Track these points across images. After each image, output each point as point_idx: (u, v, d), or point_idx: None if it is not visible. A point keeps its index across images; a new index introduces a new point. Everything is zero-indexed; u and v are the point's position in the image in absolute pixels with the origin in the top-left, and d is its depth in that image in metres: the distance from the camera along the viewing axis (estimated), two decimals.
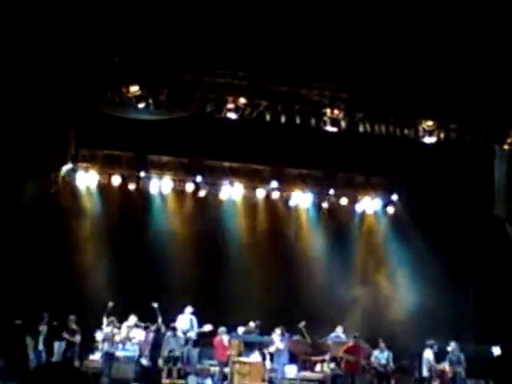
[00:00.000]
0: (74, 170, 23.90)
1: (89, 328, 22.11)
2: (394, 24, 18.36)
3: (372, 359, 23.08)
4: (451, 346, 23.13)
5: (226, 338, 22.13)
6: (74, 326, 21.67)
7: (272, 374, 22.28)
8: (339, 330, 23.75)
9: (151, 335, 22.22)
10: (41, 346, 21.36)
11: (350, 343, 22.56)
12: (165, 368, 21.63)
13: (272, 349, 22.39)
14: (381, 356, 23.02)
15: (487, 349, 24.34)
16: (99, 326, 21.97)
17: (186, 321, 22.58)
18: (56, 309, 21.53)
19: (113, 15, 17.65)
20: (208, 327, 22.44)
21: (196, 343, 22.59)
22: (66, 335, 21.55)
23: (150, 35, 18.10)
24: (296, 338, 23.37)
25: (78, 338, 21.66)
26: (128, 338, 22.11)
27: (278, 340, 22.32)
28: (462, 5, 17.97)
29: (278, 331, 22.35)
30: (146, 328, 22.29)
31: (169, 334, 21.88)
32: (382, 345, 23.00)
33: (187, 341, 22.26)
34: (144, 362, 21.92)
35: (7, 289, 20.66)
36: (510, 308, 22.91)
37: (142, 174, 24.79)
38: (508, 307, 23.04)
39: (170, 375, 21.66)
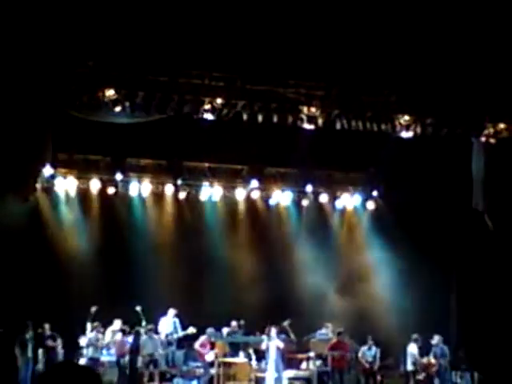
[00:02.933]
0: (52, 176, 23.79)
1: (73, 334, 22.02)
2: (368, 20, 18.41)
3: (359, 355, 23.15)
4: (435, 340, 23.22)
5: (211, 340, 22.09)
6: (49, 333, 21.60)
7: (259, 373, 22.21)
8: (327, 328, 23.68)
9: (129, 338, 22.07)
10: (30, 354, 21.17)
11: (334, 340, 22.65)
12: (145, 372, 21.58)
13: (271, 347, 22.14)
14: (368, 353, 23.11)
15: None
16: (83, 332, 21.90)
17: (169, 323, 22.56)
18: (38, 316, 21.41)
19: (87, 19, 17.59)
20: (192, 329, 22.41)
21: (180, 345, 22.56)
22: (48, 342, 21.47)
23: (124, 38, 18.05)
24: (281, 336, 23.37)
25: (59, 342, 21.60)
26: (113, 343, 22.05)
27: (276, 339, 22.19)
28: (434, 2, 18.07)
29: (274, 330, 22.29)
30: (129, 333, 22.20)
31: (144, 337, 21.81)
32: (371, 342, 23.06)
33: (170, 343, 22.21)
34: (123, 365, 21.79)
35: None
36: (492, 299, 23.05)
37: (121, 177, 24.69)
38: (489, 299, 23.18)
39: (151, 379, 21.62)
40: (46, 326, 21.73)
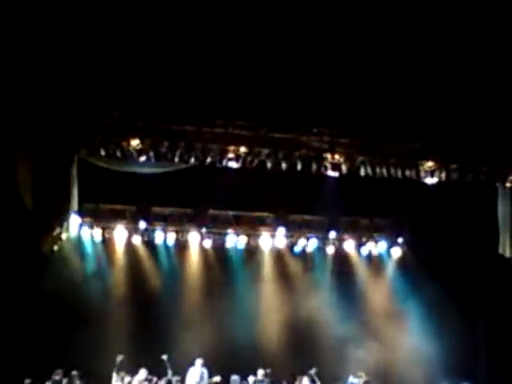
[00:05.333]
0: (78, 226, 23.94)
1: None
2: (390, 68, 18.51)
3: None
4: None
5: None
6: (79, 382, 21.50)
7: None
8: (359, 378, 23.36)
9: None
10: None
11: None
12: None
13: None
14: None
15: None
16: (109, 382, 21.82)
17: (196, 373, 22.39)
18: (66, 365, 21.41)
19: (112, 70, 17.84)
20: (216, 379, 22.23)
21: None
22: None
23: (148, 88, 18.27)
24: None
25: None
26: None
27: None
28: (453, 47, 18.14)
29: (306, 379, 22.07)
30: (155, 382, 22.09)
31: None
32: None
33: None
34: None
35: (13, 347, 20.61)
36: None
37: (146, 226, 24.80)
38: None
39: None
40: (74, 373, 21.63)
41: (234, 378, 22.13)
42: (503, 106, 19.35)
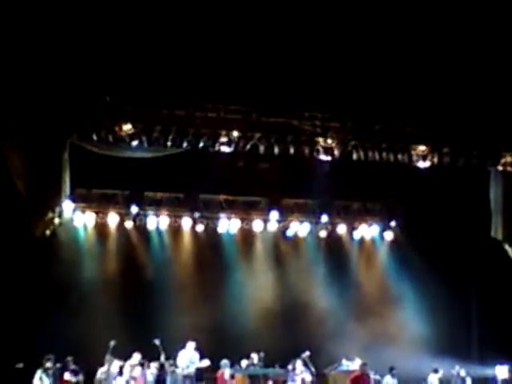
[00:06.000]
0: (70, 211, 23.92)
1: (91, 368, 21.95)
2: (381, 51, 18.50)
3: None
4: (456, 370, 23.02)
5: (227, 372, 21.90)
6: (73, 367, 21.50)
7: None
8: (353, 361, 23.40)
9: (150, 373, 21.97)
10: None
11: (358, 372, 22.20)
12: None
13: (297, 381, 21.95)
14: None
15: (493, 372, 24.30)
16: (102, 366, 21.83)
17: (187, 357, 22.39)
18: (56, 351, 21.41)
19: (103, 54, 17.79)
20: (205, 362, 22.20)
21: (199, 379, 22.41)
22: (68, 376, 21.38)
23: (139, 73, 18.23)
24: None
25: (80, 378, 21.50)
26: (132, 377, 21.93)
27: (303, 371, 22.00)
28: (446, 30, 18.12)
29: (300, 362, 22.12)
30: (148, 367, 22.10)
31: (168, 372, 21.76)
32: (394, 371, 22.72)
33: (185, 377, 22.04)
34: None
35: (5, 332, 20.61)
36: None
37: (139, 211, 24.81)
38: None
39: None
40: (69, 358, 21.63)
41: (225, 361, 22.13)
42: (495, 91, 19.36)
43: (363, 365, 21.81)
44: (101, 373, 21.46)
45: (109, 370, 21.32)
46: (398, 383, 22.78)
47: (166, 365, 21.97)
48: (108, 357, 21.38)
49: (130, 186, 24.24)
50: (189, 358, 22.26)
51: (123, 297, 23.91)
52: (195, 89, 18.88)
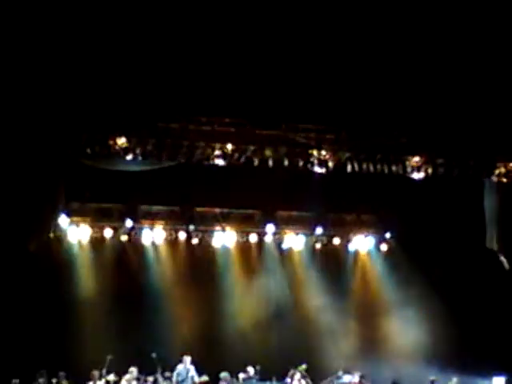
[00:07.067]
0: (65, 225, 23.87)
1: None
2: (375, 63, 18.56)
3: None
4: (453, 382, 22.98)
5: None
6: (65, 382, 21.40)
7: None
8: (352, 374, 23.33)
9: None
10: None
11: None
12: None
13: None
14: None
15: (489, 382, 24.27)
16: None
17: (183, 370, 22.35)
18: (53, 365, 21.34)
19: (97, 69, 17.82)
20: (204, 378, 22.14)
21: None
22: None
23: (133, 87, 18.25)
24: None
25: None
26: None
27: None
28: (440, 41, 18.19)
29: (299, 374, 22.10)
30: (144, 381, 22.04)
31: None
32: None
33: None
34: None
35: (0, 347, 20.55)
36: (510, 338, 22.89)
37: (134, 224, 24.78)
38: (507, 338, 23.00)
39: None
40: (61, 373, 21.54)
41: (224, 374, 22.07)
42: (489, 102, 19.42)
43: (361, 377, 21.77)
44: None
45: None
46: None
47: (160, 379, 21.90)
48: (95, 372, 21.27)
49: (124, 199, 24.20)
50: (186, 372, 22.24)
51: (118, 310, 23.82)
52: (189, 102, 18.92)
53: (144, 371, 22.19)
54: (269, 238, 26.12)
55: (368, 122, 20.03)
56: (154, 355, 21.76)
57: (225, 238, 25.80)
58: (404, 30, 18.21)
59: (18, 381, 21.10)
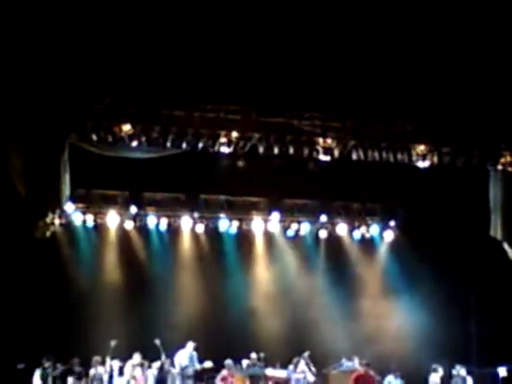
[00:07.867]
0: (70, 211, 23.92)
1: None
2: (381, 51, 18.51)
3: None
4: (456, 369, 22.98)
5: (230, 372, 21.88)
6: (78, 369, 21.45)
7: None
8: (352, 361, 23.29)
9: (150, 373, 21.96)
10: None
11: (360, 372, 21.90)
12: None
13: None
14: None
15: (493, 371, 24.27)
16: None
17: (185, 356, 22.39)
18: (57, 351, 21.41)
19: (102, 55, 17.80)
20: (208, 364, 22.24)
21: (199, 379, 22.43)
22: (71, 379, 21.32)
23: (138, 73, 18.23)
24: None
25: (83, 382, 21.44)
26: (133, 378, 21.91)
27: (305, 371, 22.02)
28: (445, 30, 18.14)
29: (303, 362, 22.11)
30: (149, 367, 22.10)
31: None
32: (397, 373, 22.70)
33: (186, 377, 22.04)
34: None
35: (6, 332, 20.62)
36: None
37: (138, 211, 24.82)
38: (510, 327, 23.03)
39: None
40: (76, 360, 21.56)
41: (228, 361, 22.14)
42: (495, 90, 19.37)
43: (366, 364, 21.58)
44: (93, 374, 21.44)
45: (96, 372, 21.29)
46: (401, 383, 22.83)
47: (166, 365, 21.98)
48: (96, 358, 21.34)
49: (129, 186, 24.26)
50: (187, 358, 22.30)
51: (123, 297, 23.95)
52: (194, 89, 18.88)
53: (148, 357, 22.25)
54: (274, 226, 26.14)
55: (373, 110, 19.97)
56: (157, 341, 21.82)
57: (230, 225, 25.84)
58: (410, 18, 18.15)
59: (23, 365, 21.20)
